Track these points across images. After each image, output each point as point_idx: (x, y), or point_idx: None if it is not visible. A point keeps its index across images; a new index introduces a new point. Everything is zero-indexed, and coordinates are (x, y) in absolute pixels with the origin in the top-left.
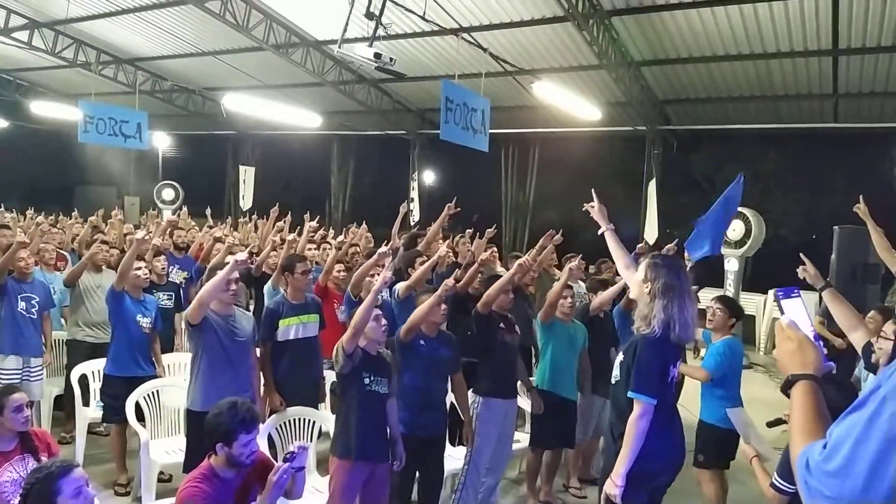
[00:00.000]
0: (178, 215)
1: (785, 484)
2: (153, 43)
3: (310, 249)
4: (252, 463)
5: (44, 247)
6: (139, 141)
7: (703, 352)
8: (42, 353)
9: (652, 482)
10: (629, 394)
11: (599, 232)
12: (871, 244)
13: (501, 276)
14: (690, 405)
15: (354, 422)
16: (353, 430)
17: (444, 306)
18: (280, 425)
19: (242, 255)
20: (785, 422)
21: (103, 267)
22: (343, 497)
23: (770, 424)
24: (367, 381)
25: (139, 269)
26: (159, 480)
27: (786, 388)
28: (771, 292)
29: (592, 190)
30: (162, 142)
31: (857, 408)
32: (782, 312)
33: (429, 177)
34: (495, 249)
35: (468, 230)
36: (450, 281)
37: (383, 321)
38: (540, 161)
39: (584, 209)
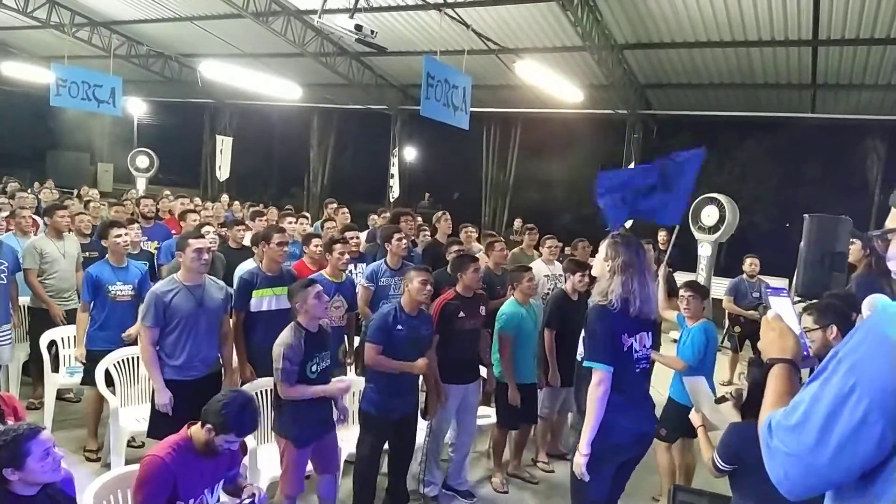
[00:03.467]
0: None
1: (722, 464)
2: (129, 6)
3: (289, 223)
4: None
5: (20, 212)
6: (113, 106)
7: (676, 334)
8: (10, 318)
9: (617, 456)
10: (584, 363)
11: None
12: (839, 232)
13: (475, 255)
14: (661, 386)
15: (291, 411)
16: (292, 420)
17: (429, 287)
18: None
19: (164, 399)
20: (727, 399)
21: (65, 233)
22: (295, 475)
23: (717, 401)
24: (312, 368)
25: (119, 235)
26: (133, 446)
27: (765, 370)
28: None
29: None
30: (137, 108)
31: (818, 374)
32: (769, 308)
33: (410, 153)
34: (471, 229)
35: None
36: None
37: (325, 297)
38: (521, 141)
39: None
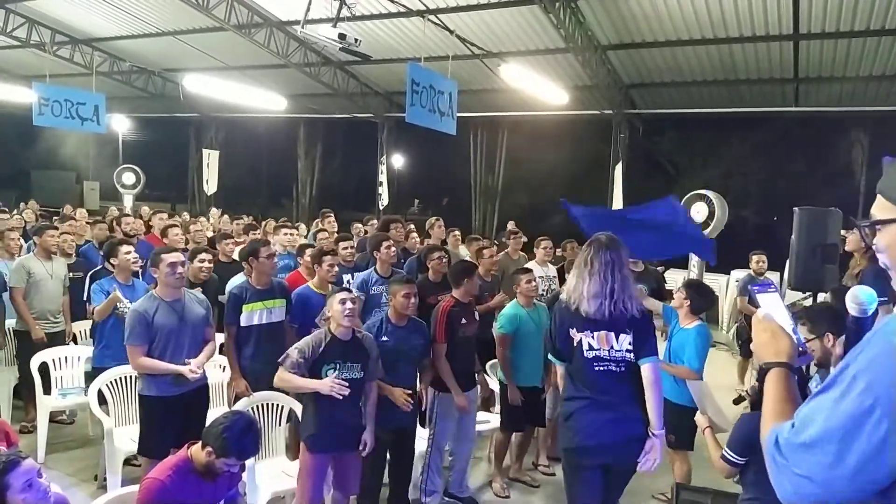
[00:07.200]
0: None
1: (735, 456)
2: (110, 22)
3: (284, 234)
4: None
5: (9, 233)
6: (97, 124)
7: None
8: None
9: (588, 459)
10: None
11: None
12: (829, 224)
13: (467, 260)
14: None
15: (312, 413)
16: (311, 422)
17: (413, 299)
18: (249, 409)
19: (187, 369)
20: (744, 398)
21: (55, 254)
22: (309, 480)
23: (736, 402)
24: (327, 372)
25: (129, 252)
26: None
27: (761, 376)
28: (734, 273)
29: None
30: (122, 125)
31: (827, 388)
32: (757, 306)
33: (398, 161)
34: (457, 233)
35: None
36: None
37: (348, 304)
38: (508, 144)
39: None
